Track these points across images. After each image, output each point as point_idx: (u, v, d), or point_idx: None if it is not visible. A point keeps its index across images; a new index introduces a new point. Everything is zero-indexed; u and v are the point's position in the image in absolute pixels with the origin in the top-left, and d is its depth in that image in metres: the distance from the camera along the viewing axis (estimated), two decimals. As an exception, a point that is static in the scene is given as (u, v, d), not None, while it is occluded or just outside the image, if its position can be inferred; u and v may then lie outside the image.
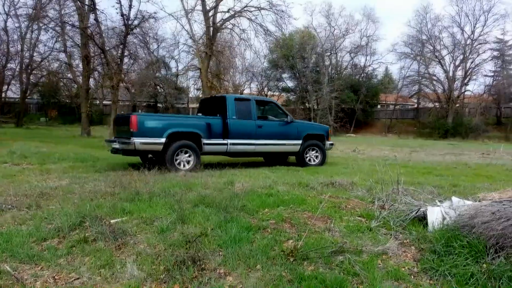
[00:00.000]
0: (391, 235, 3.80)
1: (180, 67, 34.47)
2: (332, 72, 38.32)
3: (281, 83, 40.02)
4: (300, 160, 10.33)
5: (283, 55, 35.26)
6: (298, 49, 35.80)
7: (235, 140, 9.30)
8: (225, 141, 9.22)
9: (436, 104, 37.34)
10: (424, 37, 36.81)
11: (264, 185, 6.32)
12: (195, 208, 4.70)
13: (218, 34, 22.00)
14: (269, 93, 41.20)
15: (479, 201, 3.93)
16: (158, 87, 35.21)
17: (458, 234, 3.22)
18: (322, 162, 10.57)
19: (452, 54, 35.64)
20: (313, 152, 10.52)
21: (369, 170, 8.97)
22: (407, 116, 40.89)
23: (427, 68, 37.18)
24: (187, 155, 8.71)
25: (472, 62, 34.88)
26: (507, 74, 36.91)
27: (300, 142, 10.20)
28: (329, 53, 38.55)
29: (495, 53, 36.97)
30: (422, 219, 3.99)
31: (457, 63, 35.41)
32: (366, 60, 39.99)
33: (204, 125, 9.02)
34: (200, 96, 27.39)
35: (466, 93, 36.57)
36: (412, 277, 2.97)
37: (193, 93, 40.00)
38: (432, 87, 37.38)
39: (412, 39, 37.64)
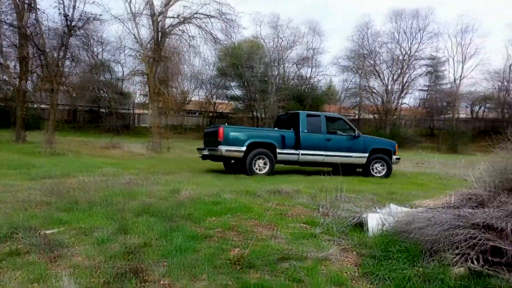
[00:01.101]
0: (334, 241, 3.93)
1: (125, 72, 33.34)
2: (279, 82, 39.04)
3: (229, 91, 40.08)
4: (366, 172, 11.05)
5: (232, 64, 35.38)
6: (247, 58, 36.11)
7: (305, 151, 10.48)
8: (297, 152, 10.44)
9: (375, 115, 39.36)
10: (365, 51, 38.80)
11: (211, 193, 6.26)
12: (139, 218, 4.53)
13: (167, 39, 21.62)
14: (217, 101, 41.13)
15: (415, 208, 4.18)
16: (101, 91, 33.75)
17: (396, 239, 3.40)
18: (388, 175, 11.06)
19: (390, 69, 37.89)
20: (379, 165, 11.17)
21: (313, 179, 9.22)
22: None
23: (367, 81, 39.12)
24: (263, 162, 10.07)
25: (408, 77, 37.32)
26: (438, 89, 39.82)
27: (366, 155, 10.99)
28: (276, 64, 39.30)
29: (429, 69, 39.82)
30: (362, 225, 4.16)
31: (394, 77, 37.68)
32: (311, 71, 41.28)
33: (279, 137, 10.40)
34: (146, 101, 26.68)
35: (402, 105, 38.96)
36: (354, 281, 3.08)
37: (138, 98, 38.83)
38: (372, 99, 39.39)
39: (353, 53, 39.49)
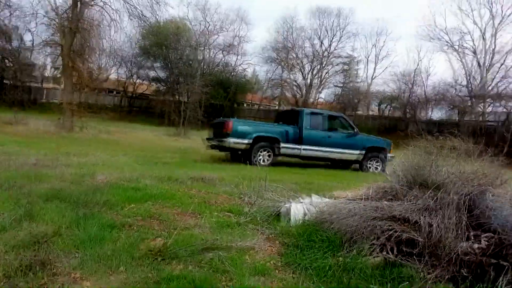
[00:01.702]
0: (257, 230, 3.94)
1: (36, 41, 29.98)
2: (205, 67, 38.41)
3: (151, 72, 38.35)
4: (362, 167, 11.58)
5: (156, 43, 33.86)
6: (172, 40, 34.87)
7: (307, 146, 10.99)
8: (299, 146, 10.89)
9: (295, 107, 40.83)
10: (289, 44, 39.80)
11: (130, 178, 5.92)
12: (47, 203, 4.10)
13: (86, 10, 19.87)
14: (138, 81, 39.19)
15: (334, 199, 4.37)
16: (6, 60, 30.06)
17: (318, 229, 3.51)
18: (383, 171, 10.78)
19: (311, 64, 39.40)
20: (374, 161, 11.66)
21: (238, 167, 9.24)
22: (269, 116, 43.68)
23: (290, 73, 40.32)
24: (267, 153, 10.61)
25: (327, 73, 39.23)
26: (352, 86, 42.41)
27: (363, 152, 11.50)
28: (202, 48, 38.55)
29: (345, 67, 42.19)
30: (284, 215, 4.23)
31: (314, 72, 39.34)
32: (237, 59, 41.29)
33: (283, 132, 10.91)
34: (59, 75, 24.39)
35: (320, 100, 40.91)
36: (277, 271, 3.11)
37: (50, 71, 35.38)
38: (292, 91, 40.71)
39: (278, 44, 40.31)
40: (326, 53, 38.68)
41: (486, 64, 30.60)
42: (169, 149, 13.99)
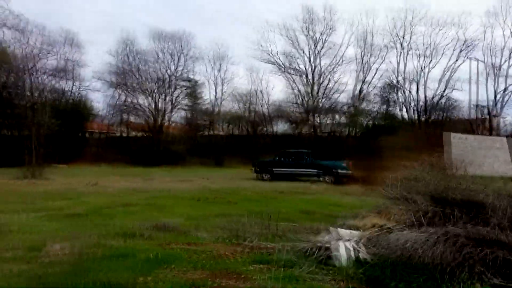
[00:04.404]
0: (320, 280, 3.69)
1: None
2: (35, 95, 33.07)
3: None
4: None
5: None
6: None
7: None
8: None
9: (145, 133, 39.18)
10: (130, 68, 38.12)
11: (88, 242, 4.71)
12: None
13: None
14: None
15: (363, 230, 4.43)
16: None
17: (396, 266, 3.50)
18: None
19: (158, 88, 38.57)
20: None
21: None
22: (115, 145, 40.58)
23: (135, 98, 38.55)
24: None
25: (177, 96, 39.11)
26: (197, 108, 43.20)
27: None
28: (25, 73, 33.17)
29: (189, 90, 42.68)
30: (336, 256, 4.06)
31: (163, 96, 38.64)
32: (73, 85, 37.26)
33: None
34: None
35: (173, 124, 40.34)
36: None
37: None
38: (141, 116, 39.00)
39: (117, 69, 38.16)
40: (173, 77, 38.52)
41: (313, 83, 35.56)
42: (50, 196, 11.07)
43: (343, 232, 4.38)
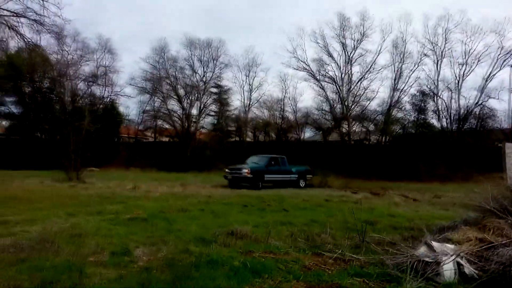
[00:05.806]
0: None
1: None
2: (69, 100, 34.08)
3: (2, 108, 32.05)
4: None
5: (8, 75, 28.71)
6: (28, 70, 30.09)
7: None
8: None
9: (175, 139, 39.66)
10: (163, 74, 38.73)
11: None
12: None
13: None
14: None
15: (458, 243, 4.30)
16: None
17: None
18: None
19: (188, 94, 39.08)
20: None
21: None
22: (146, 150, 41.25)
23: (166, 104, 39.13)
24: None
25: (206, 102, 39.50)
26: (226, 115, 43.50)
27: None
28: (64, 79, 34.25)
29: (215, 96, 42.96)
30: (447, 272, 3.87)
31: (192, 102, 39.10)
32: (105, 90, 38.15)
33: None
34: None
35: (201, 130, 40.75)
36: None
37: None
38: (171, 122, 39.53)
39: (150, 75, 38.81)
40: (202, 84, 38.95)
41: (344, 90, 35.19)
42: (102, 199, 11.29)
43: (439, 245, 4.25)
